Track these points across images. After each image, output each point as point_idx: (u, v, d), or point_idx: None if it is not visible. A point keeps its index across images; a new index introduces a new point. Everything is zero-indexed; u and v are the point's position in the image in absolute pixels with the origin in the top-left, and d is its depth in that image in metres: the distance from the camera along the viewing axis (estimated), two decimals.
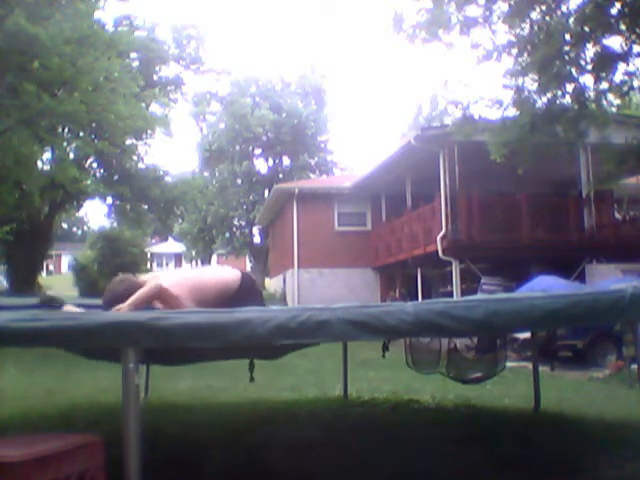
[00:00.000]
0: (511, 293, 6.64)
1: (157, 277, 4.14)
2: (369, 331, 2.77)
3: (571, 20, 10.89)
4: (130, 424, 2.57)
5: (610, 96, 11.61)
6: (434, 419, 5.51)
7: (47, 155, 20.09)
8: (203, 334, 2.73)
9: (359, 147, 78.52)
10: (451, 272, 14.20)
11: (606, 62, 10.77)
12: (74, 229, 62.27)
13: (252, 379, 5.19)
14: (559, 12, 11.09)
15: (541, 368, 6.94)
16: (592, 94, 11.27)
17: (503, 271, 13.08)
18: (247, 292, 4.14)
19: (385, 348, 5.58)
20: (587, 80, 11.34)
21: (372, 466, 3.87)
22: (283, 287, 21.79)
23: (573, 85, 11.24)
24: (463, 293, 13.53)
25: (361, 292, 18.23)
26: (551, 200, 15.20)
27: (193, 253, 39.51)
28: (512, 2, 10.77)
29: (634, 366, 8.27)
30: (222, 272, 4.30)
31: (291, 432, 4.83)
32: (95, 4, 17.27)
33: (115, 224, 28.91)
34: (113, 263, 25.68)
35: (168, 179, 25.39)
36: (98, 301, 4.25)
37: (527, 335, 7.22)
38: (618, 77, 11.13)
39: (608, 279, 10.53)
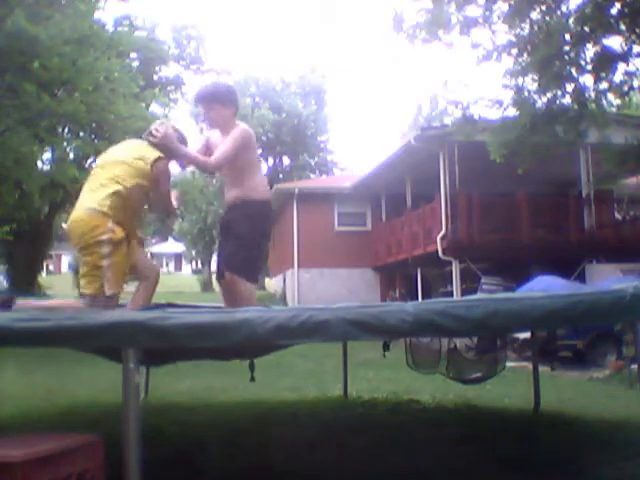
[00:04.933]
0: (511, 293, 6.64)
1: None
2: (369, 331, 2.77)
3: (571, 20, 10.89)
4: (130, 424, 2.57)
5: (610, 96, 11.61)
6: (434, 419, 5.50)
7: (47, 155, 20.06)
8: (203, 334, 2.73)
9: (359, 147, 78.52)
10: (451, 272, 14.19)
11: (606, 62, 10.78)
12: None
13: (253, 379, 5.19)
14: (559, 12, 11.09)
15: (541, 368, 6.94)
16: (592, 94, 11.27)
17: (503, 271, 13.09)
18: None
19: (385, 347, 5.59)
20: (587, 80, 11.36)
21: (372, 466, 3.87)
22: (283, 287, 21.79)
23: (573, 85, 11.24)
24: (463, 293, 13.52)
25: (361, 292, 18.21)
26: (551, 200, 15.19)
27: (193, 253, 39.53)
28: (512, 2, 10.77)
29: (634, 366, 8.28)
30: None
31: (291, 432, 4.82)
32: (95, 4, 17.25)
33: None
34: None
35: None
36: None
37: (527, 335, 7.24)
38: (618, 77, 11.15)
39: (608, 279, 10.54)
